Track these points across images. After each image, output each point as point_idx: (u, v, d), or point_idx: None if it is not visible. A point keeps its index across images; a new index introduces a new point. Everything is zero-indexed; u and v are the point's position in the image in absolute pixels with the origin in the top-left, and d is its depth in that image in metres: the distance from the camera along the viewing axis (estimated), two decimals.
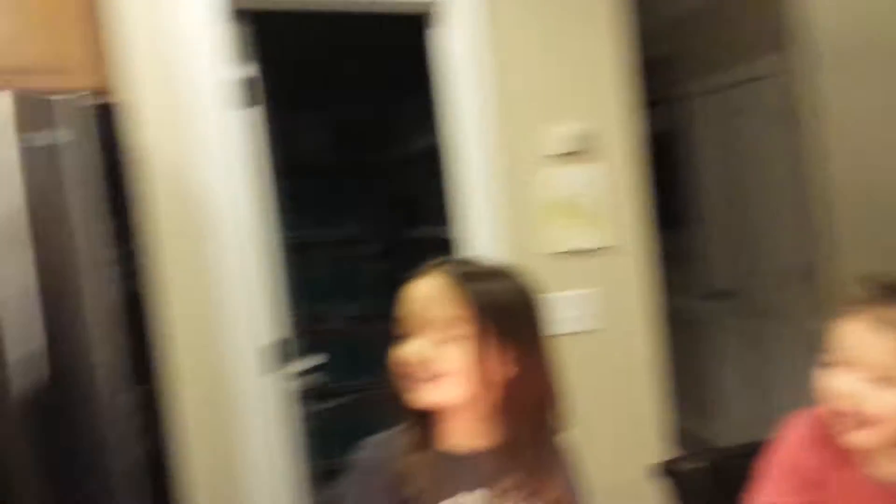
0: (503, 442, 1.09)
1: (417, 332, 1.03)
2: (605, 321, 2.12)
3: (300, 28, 3.37)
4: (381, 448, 1.10)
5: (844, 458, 1.09)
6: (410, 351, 1.03)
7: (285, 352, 2.24)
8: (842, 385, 1.05)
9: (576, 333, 2.10)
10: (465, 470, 1.07)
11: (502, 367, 1.05)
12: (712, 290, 3.93)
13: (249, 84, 2.08)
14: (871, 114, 2.95)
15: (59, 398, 1.53)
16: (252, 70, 2.11)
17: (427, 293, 1.04)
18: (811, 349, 1.19)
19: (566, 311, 2.09)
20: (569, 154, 2.09)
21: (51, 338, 1.52)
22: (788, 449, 1.14)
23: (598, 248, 2.11)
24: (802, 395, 1.18)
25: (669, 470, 1.37)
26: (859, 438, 1.05)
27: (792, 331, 3.32)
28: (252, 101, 2.10)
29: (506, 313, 1.05)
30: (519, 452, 1.08)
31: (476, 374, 1.03)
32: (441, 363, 1.02)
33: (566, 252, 2.10)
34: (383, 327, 1.13)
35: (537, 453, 1.09)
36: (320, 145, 4.32)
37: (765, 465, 1.15)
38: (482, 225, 2.08)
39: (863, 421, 1.04)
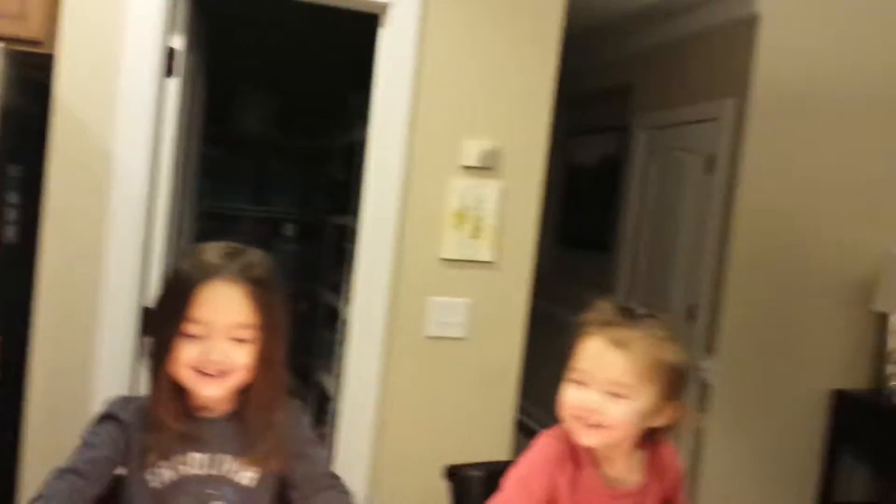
0: (239, 411, 1.24)
1: (213, 335, 1.16)
2: (475, 330, 2.27)
3: (259, 10, 3.39)
4: (129, 405, 1.22)
5: (586, 461, 1.26)
6: (216, 352, 1.16)
7: None
8: (581, 398, 1.22)
9: (448, 338, 2.26)
10: (201, 432, 1.22)
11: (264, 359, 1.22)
12: None
13: (181, 53, 2.10)
14: (789, 174, 3.08)
15: None
16: (186, 40, 2.13)
17: (227, 302, 1.17)
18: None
19: (443, 315, 2.24)
20: (478, 168, 2.21)
21: None
22: (529, 464, 1.27)
23: (487, 261, 2.26)
24: None
25: (450, 474, 1.52)
26: (591, 439, 1.23)
27: None
28: (183, 71, 2.12)
29: (278, 321, 1.22)
30: (254, 422, 1.24)
31: (249, 368, 1.21)
32: (234, 362, 1.18)
33: (455, 260, 2.24)
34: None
35: (269, 424, 1.24)
36: (260, 123, 4.36)
37: (505, 479, 1.26)
38: (385, 222, 2.18)
39: (595, 426, 1.21)
